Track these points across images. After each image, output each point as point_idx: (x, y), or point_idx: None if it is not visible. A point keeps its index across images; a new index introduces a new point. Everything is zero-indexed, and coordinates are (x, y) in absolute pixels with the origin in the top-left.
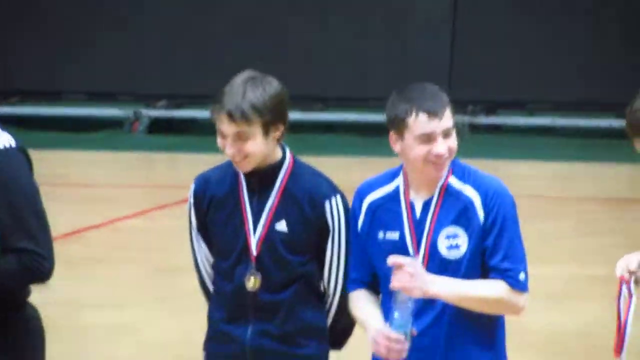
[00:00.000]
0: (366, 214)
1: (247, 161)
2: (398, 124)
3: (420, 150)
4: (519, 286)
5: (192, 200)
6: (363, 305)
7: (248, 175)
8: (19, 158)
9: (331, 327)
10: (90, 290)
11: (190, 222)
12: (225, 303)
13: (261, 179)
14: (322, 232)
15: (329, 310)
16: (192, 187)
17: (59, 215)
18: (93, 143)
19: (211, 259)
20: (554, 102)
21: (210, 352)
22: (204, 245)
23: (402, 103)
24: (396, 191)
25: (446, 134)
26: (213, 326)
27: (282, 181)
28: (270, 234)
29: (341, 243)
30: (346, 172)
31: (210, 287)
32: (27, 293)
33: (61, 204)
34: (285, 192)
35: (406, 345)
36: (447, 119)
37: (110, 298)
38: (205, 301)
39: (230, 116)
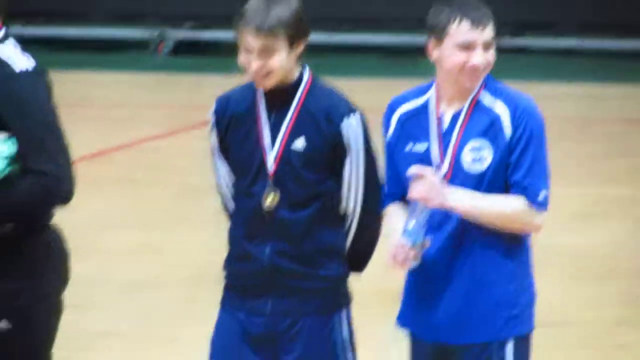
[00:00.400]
0: (396, 126)
1: (271, 76)
2: (439, 30)
3: (458, 58)
4: (538, 204)
5: (213, 120)
6: (393, 218)
7: (267, 93)
8: (37, 81)
9: (350, 250)
10: (115, 211)
11: (212, 142)
12: (245, 221)
13: (280, 96)
14: (339, 150)
15: (348, 232)
16: (213, 106)
17: (85, 136)
18: (119, 64)
19: (232, 179)
20: (580, 23)
21: (230, 271)
22: (224, 166)
23: (447, 10)
24: (426, 103)
25: (486, 46)
26: (233, 245)
27: (300, 99)
28: (286, 151)
29: (360, 162)
30: (371, 94)
31: (231, 208)
32: (49, 215)
33: (87, 125)
34: (303, 110)
35: (412, 254)
36: (489, 32)
37: (135, 219)
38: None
39: (258, 29)
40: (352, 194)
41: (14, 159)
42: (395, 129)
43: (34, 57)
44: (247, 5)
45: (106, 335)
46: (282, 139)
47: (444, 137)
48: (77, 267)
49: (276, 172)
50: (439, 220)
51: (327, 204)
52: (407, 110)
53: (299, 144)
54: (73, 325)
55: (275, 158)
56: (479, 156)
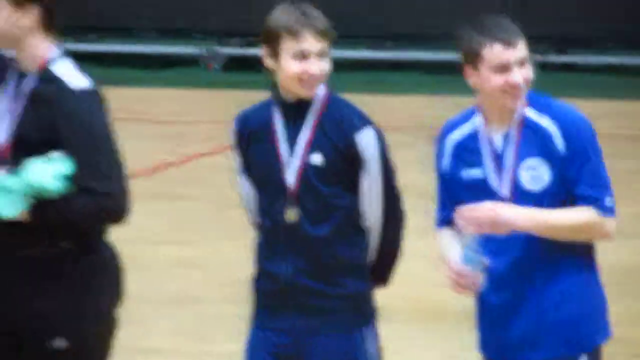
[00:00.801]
0: (449, 153)
1: (322, 82)
2: (473, 57)
3: (496, 80)
4: (607, 211)
5: (234, 140)
6: (446, 243)
7: (284, 108)
8: (93, 98)
9: (374, 264)
10: (164, 226)
11: (235, 161)
12: (267, 239)
13: (297, 111)
14: (356, 163)
15: (370, 246)
16: (232, 126)
17: (136, 152)
18: (169, 80)
19: (256, 199)
20: (624, 39)
21: (255, 290)
22: (248, 184)
23: (476, 35)
24: (475, 128)
25: (521, 64)
26: (257, 263)
27: (316, 113)
28: (304, 166)
29: (377, 175)
30: (416, 110)
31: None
32: (103, 233)
33: (138, 140)
34: (319, 124)
35: (477, 278)
36: (521, 49)
37: (183, 234)
38: None
39: (320, 32)
40: (371, 207)
41: (70, 178)
42: (449, 157)
43: (87, 73)
44: (280, 16)
45: (148, 352)
46: (300, 155)
47: (499, 160)
48: (126, 282)
49: (295, 188)
50: (503, 245)
51: (347, 219)
52: (458, 137)
53: (317, 159)
54: (118, 340)
55: (294, 174)
56: (536, 174)
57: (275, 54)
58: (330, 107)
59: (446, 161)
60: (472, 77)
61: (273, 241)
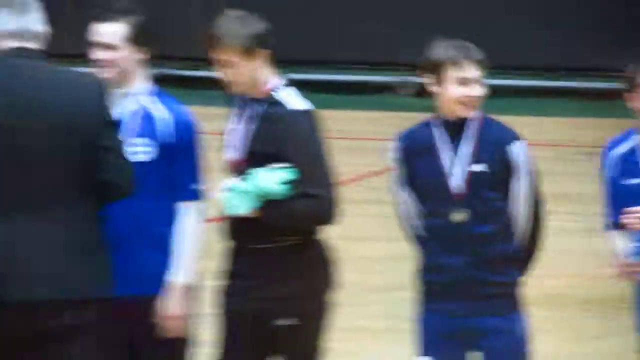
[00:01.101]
0: (614, 167)
1: (479, 103)
2: (629, 85)
3: None
4: None
5: (398, 155)
6: (616, 242)
7: (446, 126)
8: (310, 119)
9: (520, 256)
10: (368, 226)
11: (396, 175)
12: (437, 238)
13: (457, 128)
14: (511, 171)
15: (520, 241)
16: (396, 144)
17: (345, 164)
18: (367, 104)
19: (416, 206)
20: None
21: (425, 280)
22: (408, 195)
23: (632, 66)
24: (635, 144)
25: None
26: (424, 259)
27: (475, 130)
28: (471, 175)
29: (527, 181)
30: (567, 130)
31: (415, 232)
32: (318, 232)
33: (347, 154)
34: (479, 139)
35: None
36: None
37: (388, 231)
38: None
39: (478, 62)
40: (521, 207)
41: (291, 184)
42: (614, 169)
43: (306, 98)
44: (443, 48)
45: (360, 330)
46: (466, 165)
47: None
48: (339, 271)
49: (463, 193)
50: None
51: (505, 219)
52: (621, 152)
53: (481, 167)
54: (333, 320)
55: (462, 181)
56: None
57: (439, 81)
58: (486, 125)
59: (611, 172)
60: (632, 102)
61: (443, 240)
